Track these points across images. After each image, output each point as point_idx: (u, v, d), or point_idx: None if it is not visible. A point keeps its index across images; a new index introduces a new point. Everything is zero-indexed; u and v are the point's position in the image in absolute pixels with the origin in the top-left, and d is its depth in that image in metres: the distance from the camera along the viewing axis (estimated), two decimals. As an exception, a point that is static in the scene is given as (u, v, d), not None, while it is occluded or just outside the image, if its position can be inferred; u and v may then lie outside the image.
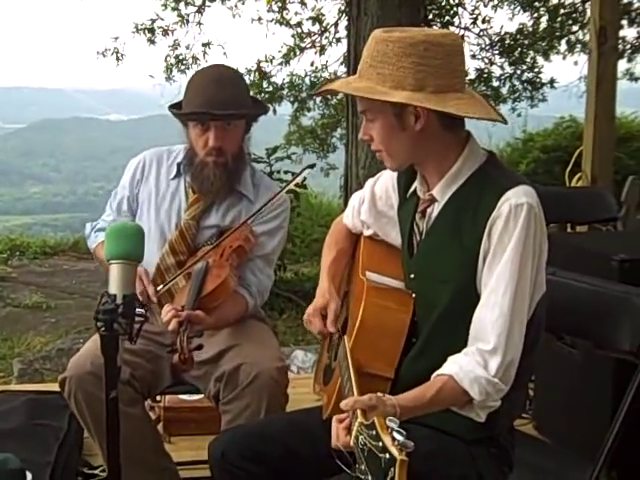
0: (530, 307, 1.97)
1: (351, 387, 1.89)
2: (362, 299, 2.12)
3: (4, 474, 2.17)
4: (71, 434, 3.20)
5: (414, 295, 2.13)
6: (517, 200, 1.90)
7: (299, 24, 9.67)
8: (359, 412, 1.69)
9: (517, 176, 2.04)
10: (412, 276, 2.15)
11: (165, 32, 9.16)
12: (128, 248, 1.85)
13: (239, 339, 2.78)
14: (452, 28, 9.58)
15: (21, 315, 7.65)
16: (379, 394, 1.78)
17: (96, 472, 3.16)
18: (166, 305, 2.59)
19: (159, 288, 2.72)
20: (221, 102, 2.71)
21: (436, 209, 2.08)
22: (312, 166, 2.99)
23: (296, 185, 7.12)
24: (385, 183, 2.36)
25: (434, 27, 9.33)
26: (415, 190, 2.17)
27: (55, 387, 3.64)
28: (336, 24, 9.52)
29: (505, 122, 2.11)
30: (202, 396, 3.14)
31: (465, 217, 1.99)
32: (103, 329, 1.76)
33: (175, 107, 2.89)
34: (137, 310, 1.80)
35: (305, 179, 7.31)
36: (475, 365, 1.88)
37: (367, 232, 2.44)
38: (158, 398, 3.36)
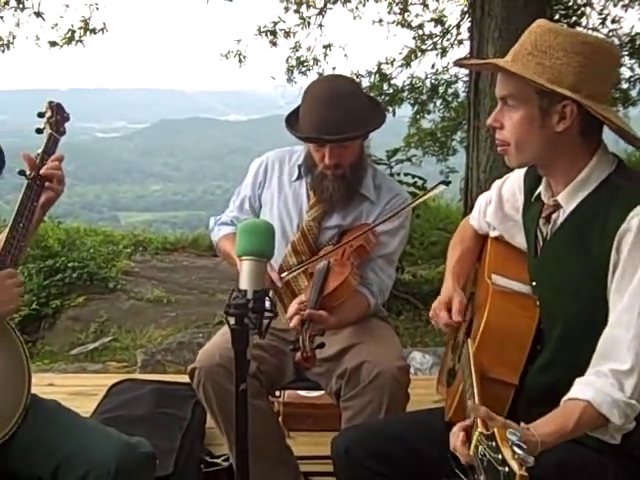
0: None
1: (472, 392, 1.86)
2: (487, 302, 2.09)
3: (137, 457, 2.21)
4: (194, 423, 3.27)
5: (538, 302, 2.07)
6: None
7: (420, 26, 9.65)
8: (479, 421, 1.66)
9: None
10: (534, 283, 2.10)
11: (287, 34, 9.28)
12: (259, 245, 1.86)
13: (362, 337, 2.78)
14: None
15: (143, 308, 7.91)
16: (523, 425, 1.71)
17: (218, 461, 3.21)
18: (292, 303, 2.61)
19: (284, 275, 2.78)
20: (334, 125, 2.68)
21: (561, 216, 2.01)
22: (447, 183, 2.94)
23: (416, 187, 7.15)
24: (512, 185, 2.30)
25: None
26: (539, 194, 2.10)
27: (179, 378, 3.84)
28: (458, 26, 9.46)
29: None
30: (321, 393, 3.15)
31: (592, 227, 1.90)
32: (234, 323, 1.78)
33: (292, 115, 2.90)
34: (266, 306, 1.82)
35: (425, 181, 7.27)
36: (610, 388, 1.79)
37: (493, 233, 2.40)
38: (277, 393, 3.39)
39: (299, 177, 2.98)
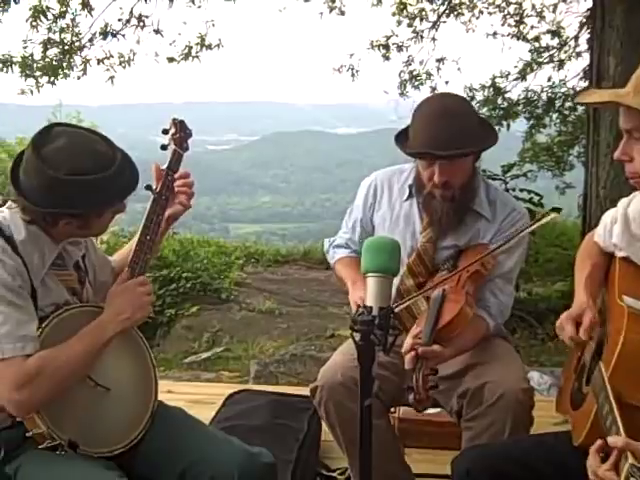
0: None
1: (614, 421, 1.79)
2: (622, 326, 2.01)
3: (259, 466, 2.26)
4: (310, 436, 3.30)
5: None
6: None
7: (536, 38, 9.47)
8: (629, 453, 1.60)
9: None
10: None
11: (399, 48, 9.27)
12: (385, 262, 1.86)
13: (484, 357, 2.73)
14: None
15: (255, 319, 8.01)
16: None
17: (334, 474, 3.24)
18: (407, 337, 2.55)
19: (395, 305, 2.73)
20: (445, 141, 2.63)
21: None
22: (558, 210, 2.84)
23: (531, 203, 7.01)
24: (639, 205, 2.22)
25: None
26: None
27: (295, 390, 3.86)
28: (576, 37, 9.23)
29: None
30: (438, 410, 3.11)
31: None
32: (360, 339, 1.78)
33: (402, 134, 2.85)
34: (391, 323, 1.82)
35: (541, 197, 7.11)
36: None
37: (620, 254, 2.31)
38: (392, 409, 3.37)
39: (410, 196, 2.93)
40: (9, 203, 2.21)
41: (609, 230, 2.35)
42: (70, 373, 2.12)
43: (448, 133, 2.63)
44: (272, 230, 41.74)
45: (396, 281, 2.83)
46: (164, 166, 2.47)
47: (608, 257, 2.40)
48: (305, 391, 2.91)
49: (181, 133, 2.55)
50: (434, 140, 2.65)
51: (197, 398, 4.03)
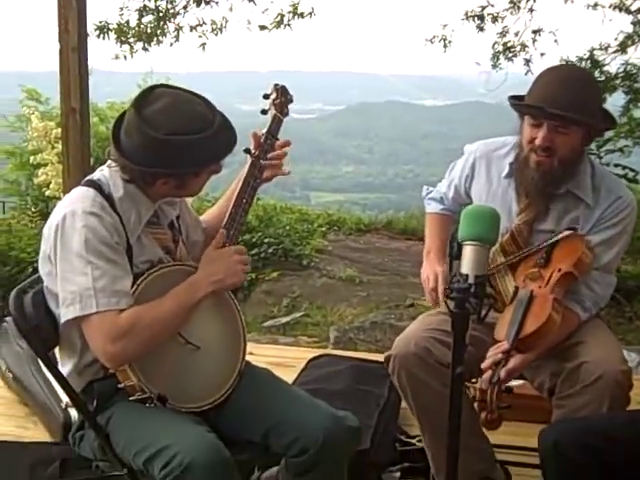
0: None
1: None
2: None
3: (344, 429, 2.28)
4: (390, 402, 3.30)
5: None
6: None
7: (640, 10, 9.09)
8: None
9: None
10: None
11: (495, 19, 8.96)
12: (483, 231, 1.84)
13: (582, 336, 2.63)
14: None
15: (335, 287, 8.02)
16: None
17: (413, 441, 3.21)
18: (490, 350, 2.48)
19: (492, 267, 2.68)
20: (560, 102, 2.52)
21: None
22: (574, 229, 2.71)
23: (627, 179, 6.79)
24: None
25: None
26: None
27: (374, 356, 3.88)
28: (684, 9, 8.82)
29: None
30: (522, 382, 3.03)
31: None
32: (455, 306, 1.77)
33: (517, 97, 2.74)
34: (487, 293, 1.80)
35: (637, 173, 6.88)
36: None
37: None
38: (473, 380, 3.32)
39: (509, 175, 2.82)
40: (109, 162, 2.28)
41: None
42: (162, 329, 2.17)
43: (567, 96, 2.53)
44: (354, 200, 41.78)
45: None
46: (263, 130, 2.50)
47: None
48: (384, 358, 2.89)
49: (282, 98, 2.59)
50: (550, 98, 2.55)
51: (278, 361, 4.03)
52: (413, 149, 58.52)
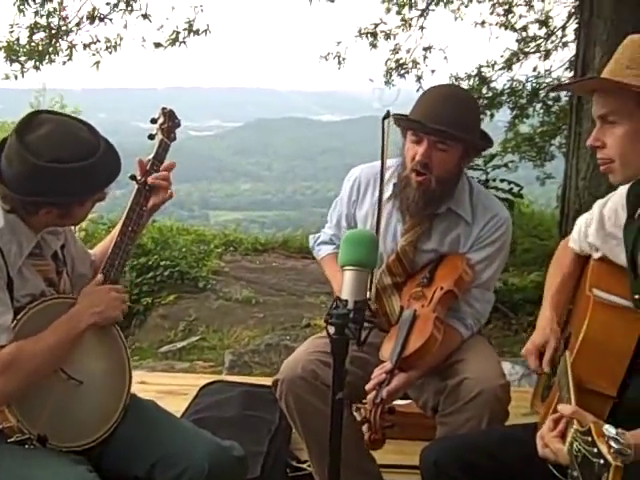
0: None
1: (569, 400, 1.82)
2: (587, 314, 2.04)
3: (229, 460, 2.27)
4: (282, 428, 3.28)
5: None
6: None
7: (524, 28, 9.46)
8: (575, 420, 1.65)
9: None
10: (637, 297, 2.03)
11: (387, 36, 9.20)
12: (362, 255, 1.86)
13: (463, 353, 2.69)
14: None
15: (231, 308, 7.95)
16: (619, 430, 1.60)
17: (304, 466, 3.19)
18: (375, 371, 2.50)
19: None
20: (440, 118, 2.59)
21: None
22: None
23: (511, 194, 6.96)
24: (615, 203, 2.23)
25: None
26: None
27: (266, 381, 3.79)
28: (564, 27, 9.22)
29: None
30: (408, 402, 3.07)
31: None
32: (334, 332, 1.79)
33: (402, 117, 2.76)
34: (367, 317, 1.82)
35: (521, 188, 7.08)
36: None
37: (596, 255, 2.31)
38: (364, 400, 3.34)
39: (393, 196, 2.84)
40: None
41: (584, 232, 2.37)
42: (43, 364, 2.11)
43: (446, 112, 2.61)
44: (252, 218, 41.82)
45: (374, 278, 2.77)
46: (150, 156, 2.45)
47: (582, 263, 2.42)
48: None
49: (169, 123, 2.55)
50: (430, 114, 2.62)
51: (170, 389, 3.99)
52: (311, 165, 58.98)
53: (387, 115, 2.55)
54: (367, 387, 2.44)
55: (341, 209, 2.99)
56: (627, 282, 2.10)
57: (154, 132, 2.50)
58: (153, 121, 2.51)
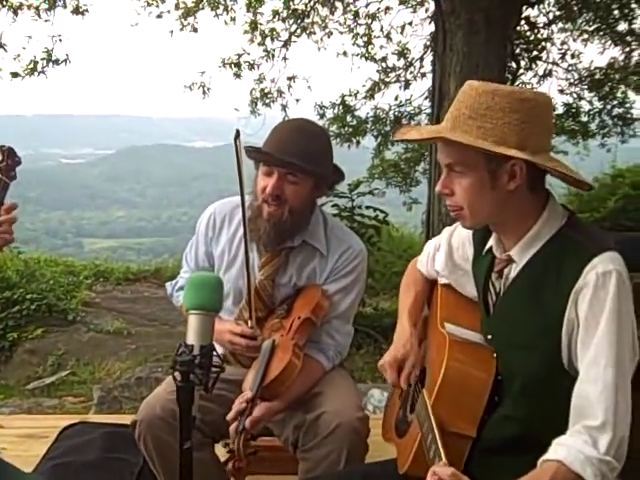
0: (630, 376, 1.83)
1: (437, 450, 1.82)
2: (444, 354, 2.04)
3: None
4: (146, 469, 3.07)
5: (495, 355, 2.04)
6: (605, 268, 1.79)
7: (384, 59, 9.70)
8: None
9: (600, 239, 1.90)
10: (489, 337, 2.07)
11: (251, 66, 9.25)
12: (206, 299, 1.82)
13: (321, 386, 2.69)
14: (539, 63, 9.45)
15: (103, 340, 7.79)
16: None
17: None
18: (236, 400, 2.48)
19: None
20: (289, 150, 2.60)
21: (514, 270, 1.98)
22: None
23: (377, 221, 7.14)
24: (462, 237, 2.28)
25: (521, 62, 9.21)
26: (491, 248, 2.07)
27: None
28: (421, 59, 9.51)
29: (591, 189, 2.01)
30: (271, 438, 3.07)
31: (546, 282, 1.88)
32: (179, 380, 1.73)
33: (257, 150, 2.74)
34: (214, 361, 1.78)
35: (386, 215, 7.28)
36: (583, 445, 1.71)
37: (442, 280, 2.38)
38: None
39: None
40: None
41: (432, 257, 2.41)
42: None
43: (296, 145, 2.62)
44: (128, 245, 40.97)
45: (234, 315, 2.81)
46: None
47: (431, 284, 2.47)
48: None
49: (8, 161, 2.41)
50: (280, 146, 2.63)
51: (30, 432, 3.83)
52: (185, 191, 58.34)
53: (237, 135, 2.56)
54: (228, 417, 2.42)
55: (197, 248, 2.95)
56: (476, 314, 2.14)
57: None
58: None
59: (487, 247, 2.09)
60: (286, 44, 9.15)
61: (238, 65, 9.12)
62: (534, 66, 9.45)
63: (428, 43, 8.93)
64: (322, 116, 9.59)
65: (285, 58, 9.24)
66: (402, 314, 2.40)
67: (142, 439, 2.61)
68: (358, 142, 9.66)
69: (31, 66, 7.78)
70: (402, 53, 9.56)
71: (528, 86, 9.23)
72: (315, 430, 2.53)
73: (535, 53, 9.43)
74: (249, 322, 2.67)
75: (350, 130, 9.53)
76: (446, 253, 2.32)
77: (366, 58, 9.59)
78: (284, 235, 2.73)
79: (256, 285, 2.77)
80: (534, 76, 9.61)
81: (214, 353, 1.78)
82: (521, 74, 9.22)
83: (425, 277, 2.48)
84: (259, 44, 9.16)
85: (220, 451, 2.73)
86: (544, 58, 9.55)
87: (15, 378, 7.20)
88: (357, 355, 6.87)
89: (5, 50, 7.43)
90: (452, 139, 1.85)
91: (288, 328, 2.66)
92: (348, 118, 9.62)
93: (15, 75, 7.81)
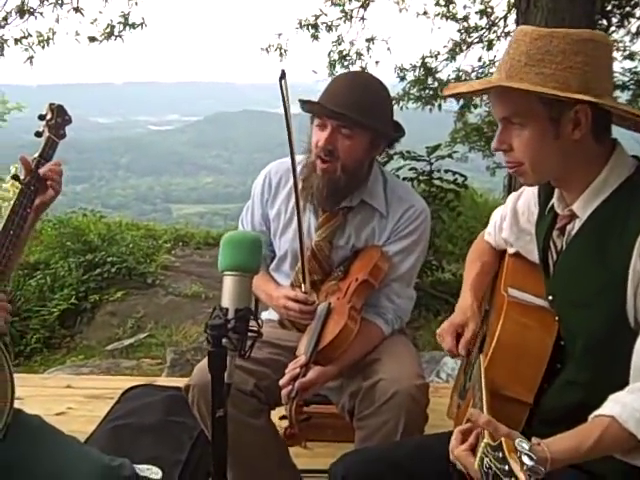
0: None
1: (482, 408, 1.71)
2: (500, 316, 1.93)
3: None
4: (204, 434, 3.09)
5: (557, 318, 1.90)
6: None
7: (466, 18, 9.42)
8: (486, 432, 1.53)
9: None
10: (551, 298, 1.93)
11: (329, 28, 9.14)
12: (243, 259, 1.71)
13: (378, 353, 2.58)
14: (632, 20, 9.00)
15: (181, 304, 7.89)
16: (534, 440, 1.54)
17: (228, 478, 3.08)
18: (289, 365, 2.42)
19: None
20: (343, 102, 2.46)
21: (576, 226, 1.83)
22: None
23: (456, 185, 6.98)
24: (527, 198, 2.13)
25: (612, 19, 8.79)
26: (553, 206, 1.92)
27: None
28: (505, 17, 9.21)
29: None
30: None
31: (610, 234, 1.73)
32: (210, 345, 1.63)
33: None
34: (251, 325, 1.67)
35: (465, 178, 7.11)
36: None
37: (511, 250, 2.25)
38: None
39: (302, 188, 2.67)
40: None
41: (499, 227, 2.29)
42: None
43: (351, 97, 2.47)
44: (215, 210, 41.56)
45: (290, 279, 2.72)
46: (35, 154, 2.29)
47: (499, 255, 2.34)
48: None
49: (57, 119, 2.40)
50: (334, 97, 2.50)
51: (96, 393, 3.85)
52: (271, 157, 58.45)
53: (283, 75, 2.41)
54: (281, 382, 2.37)
55: (253, 211, 2.84)
56: (542, 279, 2.01)
57: (40, 129, 2.36)
58: (41, 117, 2.38)
59: (550, 205, 1.94)
60: (364, 4, 8.99)
61: (315, 27, 9.01)
62: (626, 23, 9.00)
63: (512, 1, 8.62)
64: (402, 79, 9.39)
65: (363, 18, 9.10)
66: (465, 284, 2.30)
67: (195, 403, 2.55)
68: (440, 105, 9.42)
69: (108, 30, 7.83)
70: (485, 12, 9.26)
71: (620, 44, 8.84)
72: (371, 398, 2.42)
73: (628, 9, 8.96)
74: (303, 286, 2.58)
75: (431, 93, 9.30)
76: (512, 218, 2.19)
77: (447, 18, 9.35)
78: (338, 194, 2.60)
79: (312, 247, 2.67)
80: (627, 34, 9.17)
81: (251, 317, 1.68)
82: (613, 32, 8.79)
83: (492, 248, 2.36)
84: (337, 4, 9.03)
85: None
86: (637, 14, 9.08)
87: (97, 339, 7.38)
88: (435, 322, 6.73)
89: (82, 14, 7.50)
90: (508, 86, 1.70)
91: (345, 291, 2.56)
92: (429, 80, 9.40)
93: (93, 39, 7.89)
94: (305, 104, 2.57)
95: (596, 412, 1.62)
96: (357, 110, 2.45)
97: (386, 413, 2.38)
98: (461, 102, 9.78)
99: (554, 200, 1.91)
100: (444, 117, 10.12)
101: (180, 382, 3.92)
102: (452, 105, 9.85)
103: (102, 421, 3.17)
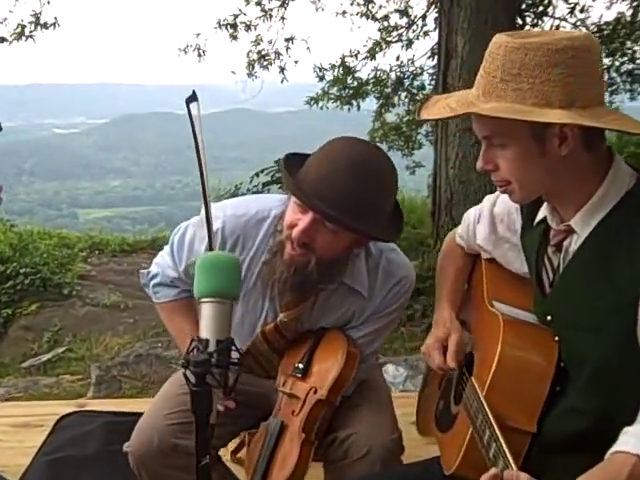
0: None
1: (501, 451, 1.57)
2: (498, 337, 1.79)
3: None
4: None
5: (557, 338, 1.79)
6: None
7: (385, 17, 9.42)
8: None
9: None
10: (549, 318, 1.81)
11: (248, 27, 9.05)
12: (223, 284, 1.54)
13: (360, 398, 2.37)
14: (546, 18, 9.14)
15: (99, 315, 7.57)
16: None
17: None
18: None
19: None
20: (338, 203, 2.00)
21: (575, 242, 1.72)
22: None
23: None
24: (507, 202, 1.96)
25: (527, 18, 8.92)
26: (544, 218, 1.82)
27: (133, 405, 3.51)
28: (424, 17, 9.24)
29: None
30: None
31: (616, 252, 1.63)
32: (194, 384, 1.45)
33: (297, 158, 2.19)
34: (232, 357, 1.50)
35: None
36: None
37: (485, 256, 2.13)
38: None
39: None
40: None
41: (472, 230, 2.15)
42: None
43: (350, 198, 2.01)
44: (123, 214, 41.05)
45: (247, 344, 2.41)
46: None
47: (472, 257, 2.21)
48: (148, 403, 2.50)
49: None
50: (327, 191, 2.02)
51: (25, 421, 3.55)
52: (180, 159, 58.45)
53: (193, 97, 1.84)
54: None
55: (189, 256, 2.39)
56: (527, 292, 1.90)
57: None
58: None
59: (539, 217, 1.83)
60: (283, 4, 8.91)
61: (234, 26, 8.90)
62: (540, 22, 9.13)
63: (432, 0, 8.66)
64: (322, 78, 9.34)
65: (283, 18, 9.03)
66: (440, 295, 2.17)
67: (137, 471, 2.28)
68: (359, 105, 9.40)
69: (18, 30, 7.52)
70: (404, 11, 9.28)
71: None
72: (345, 450, 2.25)
73: (542, 8, 9.09)
74: None
75: (350, 92, 9.26)
76: (488, 224, 2.06)
77: (366, 17, 9.34)
78: (305, 287, 2.21)
79: (277, 323, 2.35)
80: (541, 33, 9.30)
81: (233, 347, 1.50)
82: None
83: (465, 252, 2.22)
84: (256, 4, 8.91)
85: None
86: (550, 13, 9.22)
87: (10, 356, 7.00)
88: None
89: (-9, 14, 7.19)
90: (486, 115, 1.59)
91: (301, 403, 2.26)
92: (348, 80, 9.37)
93: (2, 40, 7.57)
94: (291, 185, 2.09)
95: (615, 448, 1.51)
96: (353, 215, 2.02)
97: (360, 467, 2.21)
98: (380, 102, 9.81)
99: (546, 213, 1.80)
100: (363, 116, 10.10)
101: (113, 405, 3.73)
102: (371, 104, 9.85)
103: (37, 454, 2.96)
